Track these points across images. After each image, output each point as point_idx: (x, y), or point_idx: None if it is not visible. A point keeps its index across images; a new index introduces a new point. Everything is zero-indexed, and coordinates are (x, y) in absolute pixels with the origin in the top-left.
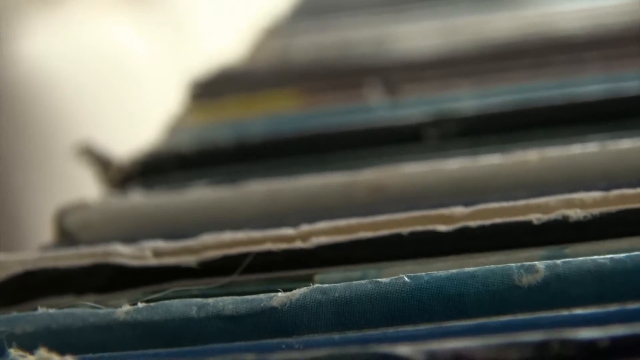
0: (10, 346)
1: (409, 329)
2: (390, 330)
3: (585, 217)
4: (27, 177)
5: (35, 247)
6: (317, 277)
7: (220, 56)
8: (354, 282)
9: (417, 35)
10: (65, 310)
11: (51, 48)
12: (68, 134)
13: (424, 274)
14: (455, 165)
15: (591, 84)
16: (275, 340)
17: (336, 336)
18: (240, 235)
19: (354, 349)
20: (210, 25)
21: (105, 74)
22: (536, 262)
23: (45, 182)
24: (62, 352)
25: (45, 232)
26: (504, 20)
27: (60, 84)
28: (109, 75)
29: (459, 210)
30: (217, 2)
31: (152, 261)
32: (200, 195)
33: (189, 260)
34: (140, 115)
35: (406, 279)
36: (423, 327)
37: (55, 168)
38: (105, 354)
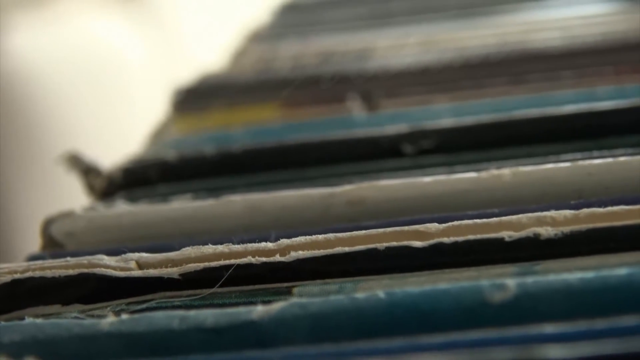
0: None
1: (382, 343)
2: (365, 344)
3: (556, 234)
4: (16, 179)
5: (25, 256)
6: (295, 290)
7: (205, 65)
8: (331, 297)
9: (397, 49)
10: (51, 321)
11: (37, 45)
12: (54, 132)
13: (398, 290)
14: (430, 181)
15: (566, 101)
16: (254, 353)
17: (312, 350)
18: (221, 248)
19: (330, 355)
20: (196, 33)
21: (91, 71)
22: (507, 280)
23: (33, 184)
24: None
25: (36, 241)
26: (483, 34)
27: (46, 81)
28: (95, 73)
29: (433, 226)
30: (203, 9)
31: (136, 272)
32: (183, 206)
33: (172, 272)
34: (127, 113)
35: (381, 294)
36: (396, 341)
37: (42, 168)
38: None
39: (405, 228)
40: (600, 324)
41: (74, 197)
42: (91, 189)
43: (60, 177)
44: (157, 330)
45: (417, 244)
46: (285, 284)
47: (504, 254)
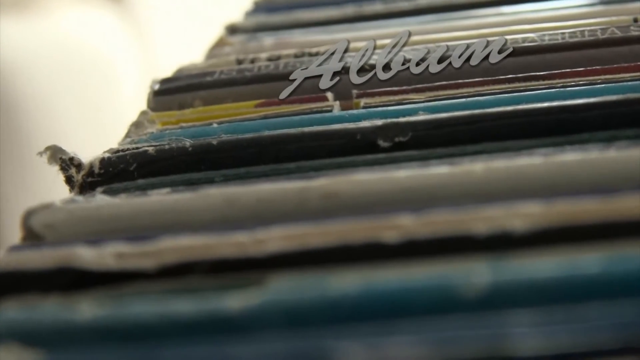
0: None
1: (355, 334)
2: (337, 334)
3: (528, 229)
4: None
5: (5, 248)
6: (269, 282)
7: (185, 61)
8: (305, 290)
9: (373, 47)
10: (29, 312)
11: (20, 41)
12: (36, 126)
13: (371, 284)
14: (404, 174)
15: (539, 98)
16: (229, 345)
17: (286, 341)
18: (197, 240)
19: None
20: (177, 28)
21: (74, 67)
22: (479, 274)
23: (16, 177)
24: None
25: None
26: (459, 32)
27: (29, 76)
28: (79, 69)
29: (406, 220)
30: (184, 6)
31: (113, 264)
32: (162, 198)
33: (149, 263)
34: (109, 107)
35: (354, 289)
36: (370, 332)
37: (27, 162)
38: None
39: (379, 221)
40: (573, 317)
41: (59, 190)
42: (71, 182)
43: (44, 170)
44: (134, 321)
45: (390, 236)
46: (260, 276)
47: (476, 248)
